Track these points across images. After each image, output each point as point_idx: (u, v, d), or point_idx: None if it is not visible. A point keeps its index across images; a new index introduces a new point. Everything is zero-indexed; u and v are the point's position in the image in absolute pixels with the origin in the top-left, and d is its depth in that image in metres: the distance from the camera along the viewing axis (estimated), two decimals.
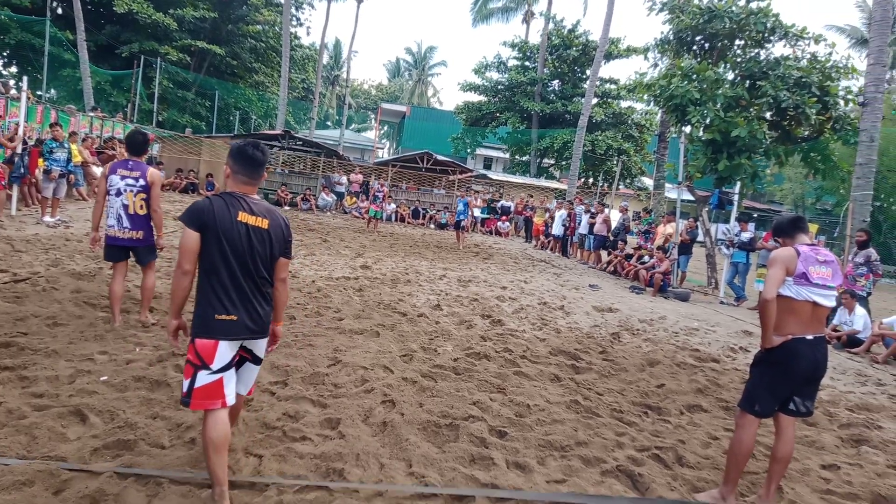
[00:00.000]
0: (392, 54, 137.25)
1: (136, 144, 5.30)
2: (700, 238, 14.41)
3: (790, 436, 3.46)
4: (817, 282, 3.31)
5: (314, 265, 10.07)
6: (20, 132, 10.86)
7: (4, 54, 30.12)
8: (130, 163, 5.20)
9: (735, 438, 3.46)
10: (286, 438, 3.57)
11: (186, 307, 2.96)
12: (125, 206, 5.14)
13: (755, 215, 23.86)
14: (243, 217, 2.79)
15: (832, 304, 3.42)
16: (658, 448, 4.06)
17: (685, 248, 13.52)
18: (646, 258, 13.77)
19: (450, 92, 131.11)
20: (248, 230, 2.79)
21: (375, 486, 3.09)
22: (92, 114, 18.97)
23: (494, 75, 37.59)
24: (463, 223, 17.22)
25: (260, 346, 2.99)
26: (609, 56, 31.88)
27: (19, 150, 10.82)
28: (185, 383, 2.74)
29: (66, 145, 11.32)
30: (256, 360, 3.03)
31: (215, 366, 2.73)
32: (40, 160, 10.95)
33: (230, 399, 2.78)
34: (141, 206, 5.19)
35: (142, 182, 5.15)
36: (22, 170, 10.90)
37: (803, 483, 3.80)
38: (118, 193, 5.13)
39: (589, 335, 7.46)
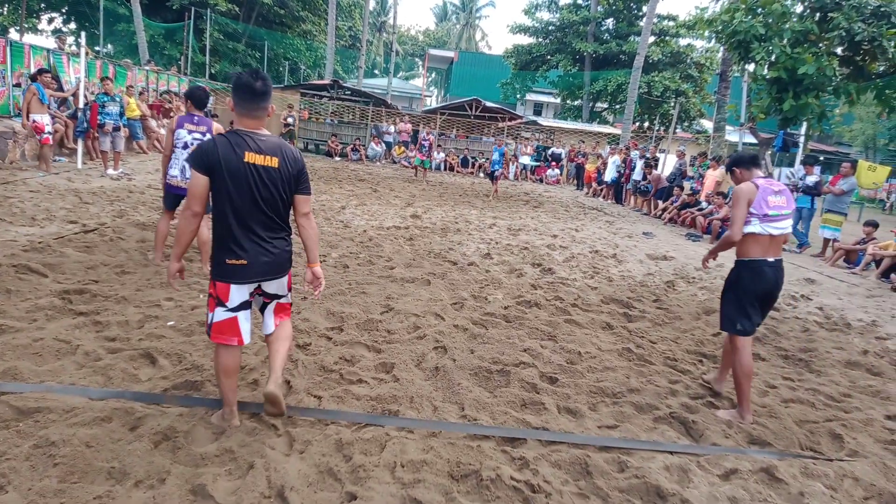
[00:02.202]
0: None
1: (199, 99, 5.53)
2: None
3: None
4: (774, 212, 3.67)
5: (365, 215, 10.18)
6: (81, 87, 11.21)
7: (63, 11, 30.86)
8: (196, 117, 5.46)
9: (735, 361, 3.77)
10: (343, 381, 3.69)
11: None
12: None
13: (821, 158, 22.58)
14: (251, 157, 2.66)
15: (788, 231, 3.80)
16: (713, 396, 4.01)
17: None
18: (703, 204, 13.31)
19: (499, 35, 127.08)
20: (258, 171, 2.68)
21: (433, 425, 3.18)
22: (147, 67, 19.35)
23: (545, 15, 36.18)
24: (497, 173, 15.83)
25: (278, 285, 2.95)
26: None
27: (81, 106, 11.19)
28: (209, 316, 2.83)
29: (117, 99, 11.62)
30: (275, 297, 3.00)
31: (230, 304, 2.78)
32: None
33: (245, 338, 2.86)
34: None
35: (208, 136, 5.38)
36: (85, 124, 11.29)
37: (866, 433, 3.70)
38: (185, 146, 5.40)
39: (642, 283, 7.34)
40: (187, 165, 5.34)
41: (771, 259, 3.74)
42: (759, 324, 3.88)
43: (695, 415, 3.69)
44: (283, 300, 3.04)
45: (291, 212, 2.94)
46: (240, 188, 2.66)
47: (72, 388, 3.18)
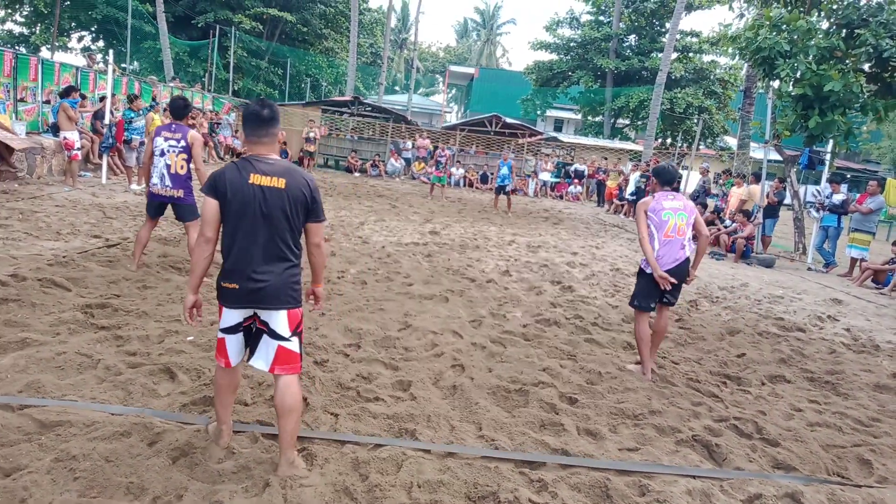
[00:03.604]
0: (460, 14, 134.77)
1: (178, 109, 5.70)
2: (787, 201, 13.59)
3: (665, 315, 4.71)
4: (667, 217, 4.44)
5: (384, 231, 10.21)
6: (108, 104, 11.45)
7: (92, 29, 31.69)
8: (173, 126, 5.61)
9: (635, 329, 4.65)
10: (360, 398, 3.68)
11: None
12: (168, 166, 5.55)
13: (848, 176, 22.19)
14: (256, 178, 2.64)
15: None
16: (737, 419, 3.92)
17: (771, 212, 12.79)
18: (727, 222, 13.15)
19: (520, 51, 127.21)
20: (263, 191, 2.64)
21: (447, 447, 3.14)
22: (172, 84, 19.72)
23: (567, 32, 36.21)
24: (508, 188, 15.42)
25: (276, 320, 2.72)
26: (690, 7, 29.97)
27: (106, 122, 11.43)
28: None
29: (143, 114, 11.85)
30: (273, 335, 2.73)
31: (222, 325, 2.77)
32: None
33: (232, 361, 2.80)
34: (181, 166, 5.59)
35: (183, 143, 5.55)
36: (111, 140, 11.52)
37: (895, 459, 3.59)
38: (162, 154, 5.54)
39: None
40: (166, 173, 5.53)
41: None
42: (676, 301, 4.74)
43: (718, 438, 3.61)
44: (285, 344, 2.74)
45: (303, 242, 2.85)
46: (243, 209, 2.64)
47: (93, 403, 3.21)
